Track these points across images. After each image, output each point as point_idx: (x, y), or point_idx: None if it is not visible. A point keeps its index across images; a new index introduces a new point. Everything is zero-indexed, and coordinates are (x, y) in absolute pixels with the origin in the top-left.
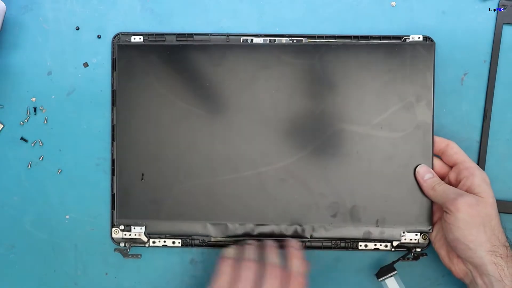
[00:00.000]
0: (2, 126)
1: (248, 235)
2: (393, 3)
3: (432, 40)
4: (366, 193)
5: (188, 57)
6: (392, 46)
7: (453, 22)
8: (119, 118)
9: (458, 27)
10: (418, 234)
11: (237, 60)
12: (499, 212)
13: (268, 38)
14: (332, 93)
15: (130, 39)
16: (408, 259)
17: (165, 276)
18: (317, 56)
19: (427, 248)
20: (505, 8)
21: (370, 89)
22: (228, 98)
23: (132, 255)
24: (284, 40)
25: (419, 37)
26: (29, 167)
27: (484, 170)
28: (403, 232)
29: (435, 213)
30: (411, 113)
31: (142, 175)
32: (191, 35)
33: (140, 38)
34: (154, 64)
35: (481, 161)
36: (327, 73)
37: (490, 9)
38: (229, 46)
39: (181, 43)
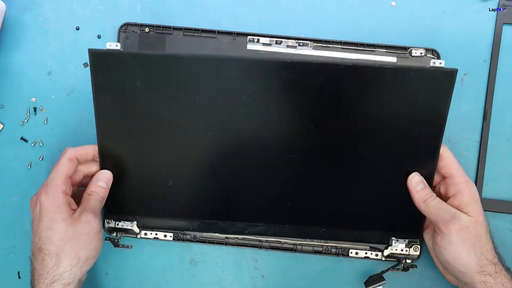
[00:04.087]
0: (2, 126)
1: (239, 234)
2: (393, 3)
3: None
4: (360, 199)
5: (176, 70)
6: (408, 70)
7: (453, 22)
8: (100, 129)
9: (458, 27)
10: (407, 240)
11: (233, 74)
12: (499, 212)
13: (275, 39)
14: (336, 118)
15: (137, 30)
16: (397, 269)
17: (165, 276)
18: (322, 76)
19: (418, 260)
20: (505, 8)
21: (378, 116)
22: (221, 116)
23: (123, 246)
24: (290, 42)
25: (440, 63)
26: (29, 167)
27: (484, 170)
28: (393, 238)
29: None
30: (417, 143)
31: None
32: (198, 30)
33: (116, 46)
34: (136, 75)
35: (481, 161)
36: (332, 97)
37: (490, 9)
38: (224, 59)
39: (176, 52)
